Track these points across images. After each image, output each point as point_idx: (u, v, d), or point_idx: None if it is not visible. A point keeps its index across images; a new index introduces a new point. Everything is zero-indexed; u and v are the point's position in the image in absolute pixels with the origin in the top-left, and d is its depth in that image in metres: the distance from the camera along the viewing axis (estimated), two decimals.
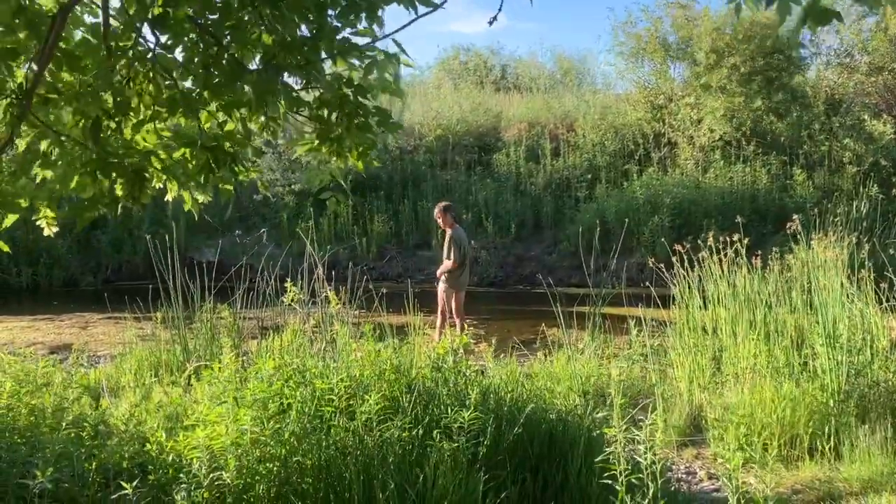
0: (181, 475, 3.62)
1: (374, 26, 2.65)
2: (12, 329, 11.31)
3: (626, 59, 19.17)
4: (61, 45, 2.66)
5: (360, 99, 2.91)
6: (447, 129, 19.47)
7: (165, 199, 3.28)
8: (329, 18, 2.61)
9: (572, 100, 20.93)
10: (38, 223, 3.35)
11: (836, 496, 4.66)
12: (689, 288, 7.25)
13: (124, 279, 16.12)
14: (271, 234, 17.16)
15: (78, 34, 2.87)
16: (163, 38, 2.64)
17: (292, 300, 6.17)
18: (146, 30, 2.69)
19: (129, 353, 7.61)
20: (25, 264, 15.95)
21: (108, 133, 2.76)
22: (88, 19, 2.93)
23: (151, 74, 2.65)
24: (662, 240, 9.17)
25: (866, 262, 6.43)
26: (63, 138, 2.74)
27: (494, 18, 2.54)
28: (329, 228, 16.96)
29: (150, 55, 2.66)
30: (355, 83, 2.87)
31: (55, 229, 3.39)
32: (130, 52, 2.67)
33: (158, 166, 2.92)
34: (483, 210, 17.21)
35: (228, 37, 2.66)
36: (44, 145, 2.82)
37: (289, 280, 6.25)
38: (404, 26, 2.66)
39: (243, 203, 17.65)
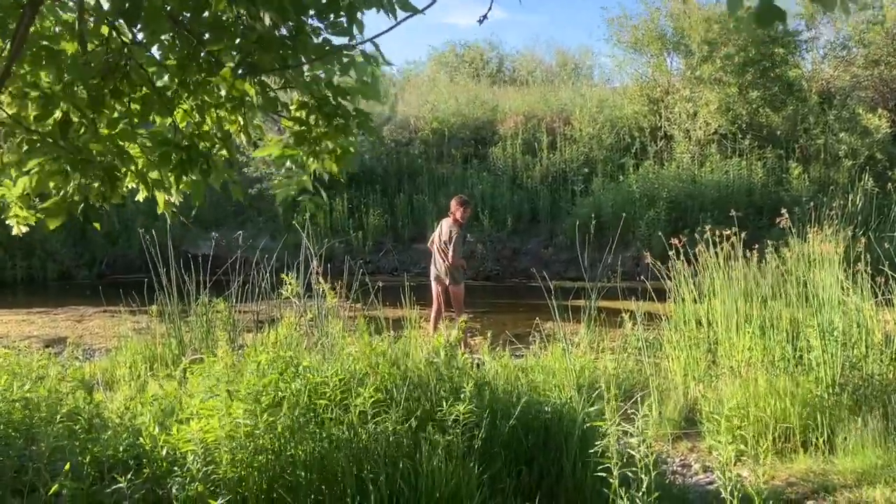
0: (175, 468, 3.62)
1: (354, 28, 2.61)
2: (7, 323, 11.28)
3: (625, 49, 19.17)
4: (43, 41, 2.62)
5: (340, 100, 2.89)
6: (443, 122, 19.43)
7: (136, 199, 3.23)
8: (310, 20, 2.58)
9: (568, 93, 20.89)
10: (7, 222, 3.30)
11: (830, 488, 4.68)
12: (684, 281, 7.26)
13: (119, 273, 16.09)
14: (267, 226, 17.15)
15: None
16: (138, 34, 2.59)
17: (290, 293, 6.17)
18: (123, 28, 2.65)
19: (125, 347, 7.60)
20: (20, 258, 15.93)
21: (82, 130, 2.71)
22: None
23: (126, 70, 2.61)
24: (659, 233, 9.16)
25: (862, 256, 6.44)
26: (34, 135, 2.69)
27: (484, 17, 2.52)
28: (325, 222, 16.93)
29: (125, 49, 2.62)
30: (335, 84, 2.84)
31: (25, 229, 3.34)
32: (105, 47, 2.63)
33: (133, 168, 2.88)
34: (479, 203, 17.20)
35: (206, 35, 2.62)
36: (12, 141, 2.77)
37: (285, 273, 6.24)
38: (385, 31, 2.63)
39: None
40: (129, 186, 3.08)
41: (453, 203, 9.13)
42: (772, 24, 1.71)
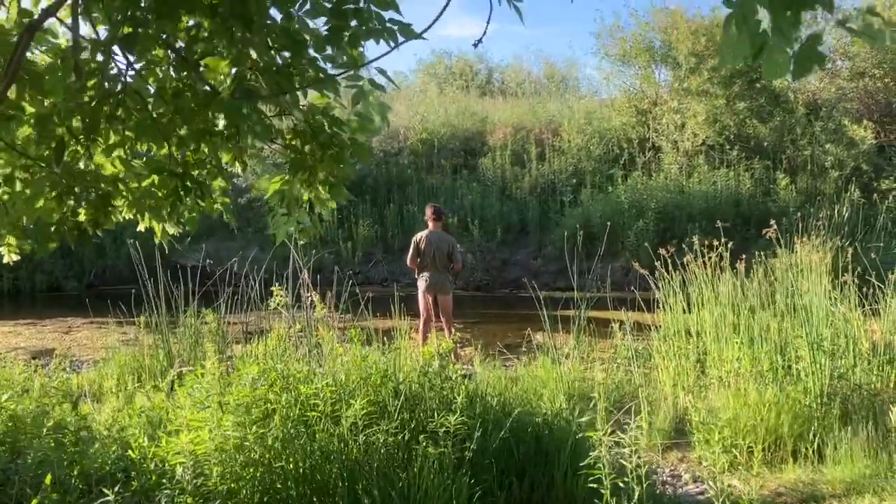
0: (164, 481, 3.59)
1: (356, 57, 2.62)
2: None
3: (613, 62, 19.29)
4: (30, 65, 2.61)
5: (336, 129, 2.88)
6: (432, 132, 19.48)
7: (138, 229, 3.22)
8: (308, 49, 2.58)
9: (557, 105, 20.99)
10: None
11: (819, 498, 4.69)
12: (673, 292, 7.28)
13: (108, 284, 16.00)
14: (256, 237, 17.09)
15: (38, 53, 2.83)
16: (135, 64, 2.58)
17: (278, 304, 6.15)
18: (118, 56, 2.65)
19: (112, 358, 7.55)
20: (7, 269, 15.78)
21: (77, 157, 2.70)
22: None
23: (121, 97, 2.60)
24: (647, 244, 9.21)
25: (849, 266, 6.49)
26: (28, 161, 2.68)
27: (479, 41, 2.54)
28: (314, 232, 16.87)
29: (121, 77, 2.61)
30: (331, 113, 2.84)
31: (16, 257, 3.31)
32: (100, 74, 2.62)
33: (128, 196, 2.87)
34: (469, 214, 17.22)
35: (201, 64, 2.62)
36: (6, 167, 2.75)
37: (275, 284, 6.22)
38: (384, 54, 2.65)
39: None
40: (126, 217, 3.06)
41: (435, 212, 9.06)
42: (811, 71, 1.67)
